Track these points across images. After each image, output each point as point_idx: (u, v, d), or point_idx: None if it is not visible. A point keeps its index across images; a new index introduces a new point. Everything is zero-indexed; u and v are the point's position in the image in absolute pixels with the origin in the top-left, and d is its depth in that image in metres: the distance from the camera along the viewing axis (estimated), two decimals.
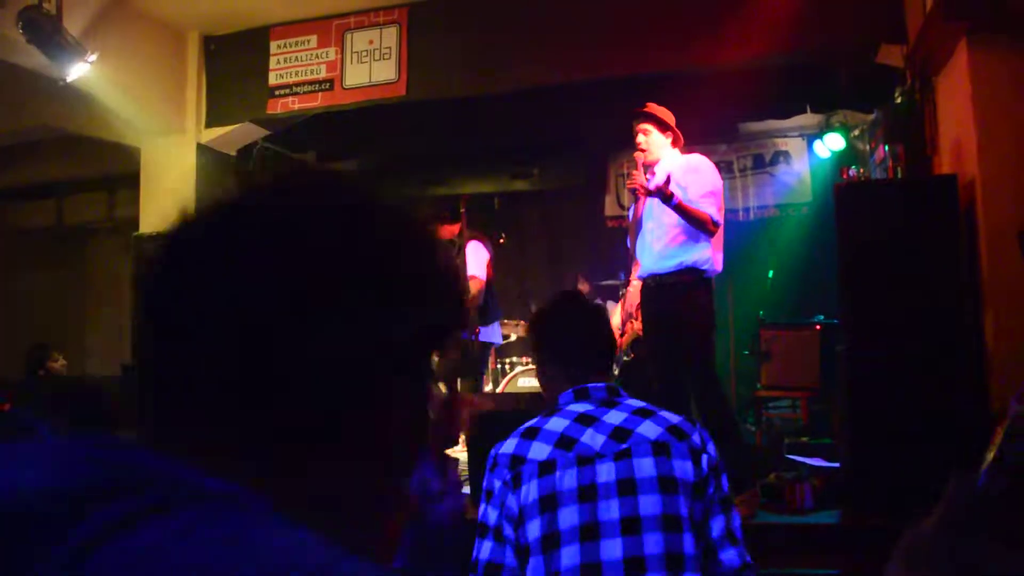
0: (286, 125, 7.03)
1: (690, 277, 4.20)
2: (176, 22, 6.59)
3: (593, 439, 1.95)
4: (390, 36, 6.32)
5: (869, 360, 3.98)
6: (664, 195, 4.01)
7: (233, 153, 7.13)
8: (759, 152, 8.05)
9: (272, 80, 6.63)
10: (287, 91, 6.60)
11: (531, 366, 7.38)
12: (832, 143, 7.29)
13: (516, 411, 4.95)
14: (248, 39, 6.70)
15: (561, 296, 2.43)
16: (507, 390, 7.19)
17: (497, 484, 1.98)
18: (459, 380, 6.15)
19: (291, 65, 6.61)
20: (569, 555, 1.84)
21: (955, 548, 0.72)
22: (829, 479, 4.32)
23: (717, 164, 7.88)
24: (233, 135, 6.92)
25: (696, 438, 1.98)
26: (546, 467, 1.93)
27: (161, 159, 6.80)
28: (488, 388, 7.52)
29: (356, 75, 6.42)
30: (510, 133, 7.91)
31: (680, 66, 5.73)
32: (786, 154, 7.96)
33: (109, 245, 6.71)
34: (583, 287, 7.69)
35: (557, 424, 2.00)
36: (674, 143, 4.45)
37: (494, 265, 6.27)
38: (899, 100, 5.00)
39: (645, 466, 1.90)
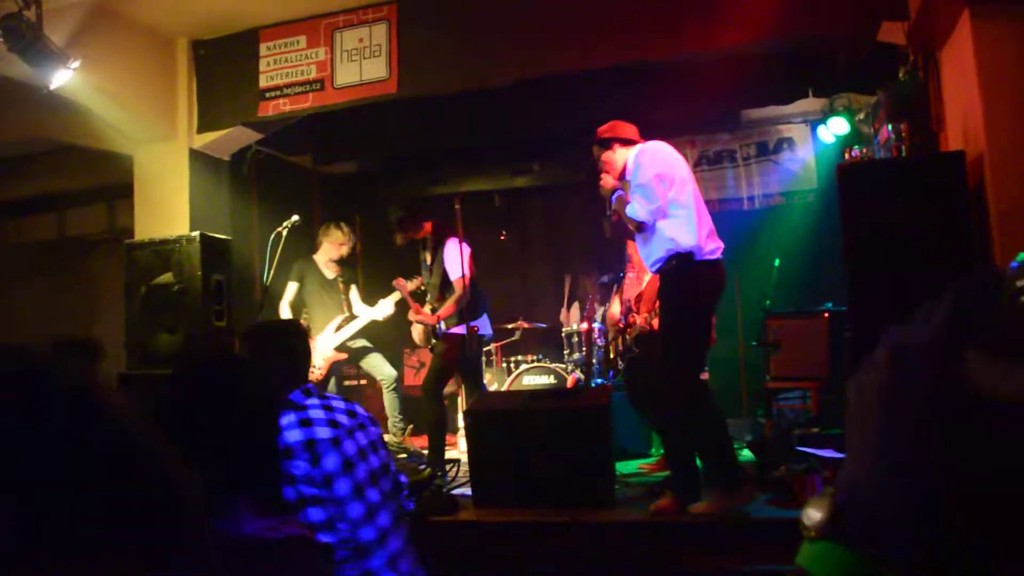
0: (279, 128, 6.95)
1: (675, 261, 4.30)
2: (163, 28, 6.50)
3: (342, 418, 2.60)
4: (380, 33, 6.22)
5: (876, 345, 3.79)
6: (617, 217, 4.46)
7: (227, 158, 7.08)
8: (762, 140, 7.92)
9: (263, 82, 6.55)
10: (278, 93, 6.53)
11: (536, 363, 7.28)
12: (836, 127, 7.11)
13: (516, 410, 4.86)
14: (237, 42, 6.61)
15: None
16: (513, 387, 7.05)
17: (301, 466, 2.43)
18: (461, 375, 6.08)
19: (281, 67, 6.53)
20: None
21: (946, 356, 0.65)
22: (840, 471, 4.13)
23: (720, 153, 7.90)
24: (226, 140, 6.84)
25: (374, 430, 2.71)
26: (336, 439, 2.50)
27: (154, 166, 6.73)
28: (494, 387, 7.42)
29: (346, 74, 6.33)
30: (509, 129, 7.84)
31: (676, 52, 5.58)
32: (790, 141, 7.83)
33: (110, 256, 6.64)
34: (587, 285, 7.58)
35: (318, 413, 2.56)
36: (626, 144, 4.60)
37: (494, 262, 6.23)
38: (903, 78, 4.83)
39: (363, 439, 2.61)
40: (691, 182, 4.40)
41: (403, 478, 2.85)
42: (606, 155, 4.65)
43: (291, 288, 6.53)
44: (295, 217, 6.13)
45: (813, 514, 0.69)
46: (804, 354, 5.83)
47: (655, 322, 4.93)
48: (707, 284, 4.30)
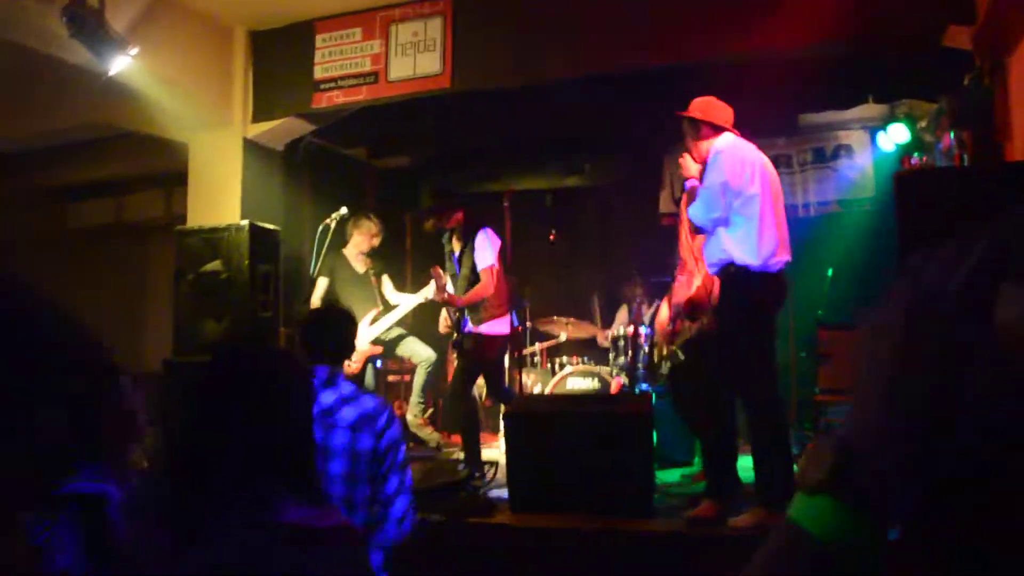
0: (332, 120, 6.97)
1: (729, 274, 4.21)
2: (223, 17, 6.58)
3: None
4: (435, 28, 6.21)
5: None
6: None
7: (280, 148, 7.12)
8: (819, 146, 7.72)
9: (317, 74, 6.60)
10: (332, 85, 6.56)
11: (581, 366, 7.20)
12: (896, 135, 6.89)
13: (555, 414, 4.80)
14: (294, 33, 6.66)
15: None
16: (556, 391, 6.96)
17: None
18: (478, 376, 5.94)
19: (336, 59, 6.56)
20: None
21: (977, 303, 0.61)
22: None
23: (776, 158, 7.76)
24: (279, 130, 6.89)
25: (382, 420, 2.85)
26: None
27: (208, 154, 6.82)
28: (537, 388, 7.36)
29: (400, 68, 6.34)
30: (562, 128, 7.84)
31: (735, 53, 5.49)
32: (848, 147, 7.62)
33: (165, 242, 6.75)
34: (635, 286, 7.48)
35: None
36: (716, 131, 4.39)
37: (542, 263, 6.17)
38: (967, 84, 4.66)
39: (346, 438, 2.78)
40: (765, 193, 4.20)
41: (402, 503, 2.85)
42: (692, 136, 4.45)
43: (321, 283, 6.45)
44: (343, 209, 6.15)
45: (811, 468, 0.66)
46: (855, 367, 5.62)
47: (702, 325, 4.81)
48: (761, 296, 4.19)
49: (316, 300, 6.39)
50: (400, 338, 6.55)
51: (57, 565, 1.67)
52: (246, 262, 5.78)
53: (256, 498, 1.50)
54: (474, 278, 5.62)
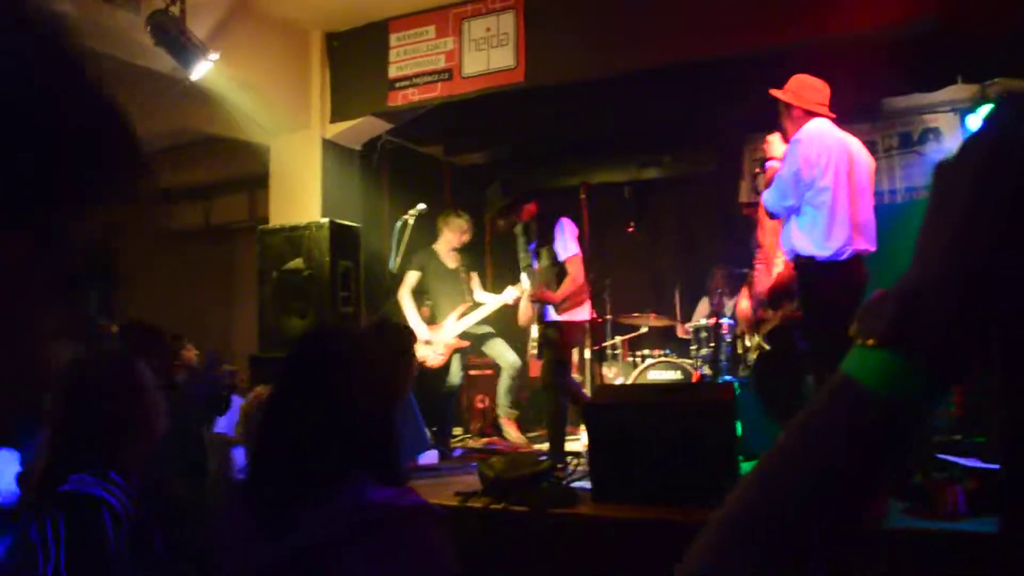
0: (408, 118, 7.07)
1: (799, 264, 4.26)
2: (299, 21, 6.72)
3: None
4: (507, 22, 6.23)
5: None
6: None
7: (358, 148, 7.24)
8: (905, 130, 7.48)
9: (392, 73, 6.69)
10: (407, 83, 6.65)
11: (663, 358, 7.13)
12: None
13: (636, 403, 4.75)
14: (368, 34, 6.77)
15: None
16: (638, 381, 6.95)
17: None
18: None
19: (410, 57, 6.65)
20: None
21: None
22: (986, 482, 3.84)
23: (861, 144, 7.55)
24: (357, 129, 7.02)
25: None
26: None
27: (289, 156, 6.96)
28: (619, 380, 7.32)
29: (474, 63, 6.39)
30: (639, 119, 7.77)
31: (814, 36, 5.36)
32: (936, 131, 7.36)
33: (249, 243, 6.93)
34: (716, 277, 7.37)
35: None
36: (807, 115, 4.32)
37: (622, 255, 6.16)
38: None
39: None
40: (839, 184, 4.13)
41: None
42: (785, 117, 4.42)
43: (412, 276, 6.51)
44: (421, 205, 6.20)
45: (870, 321, 0.61)
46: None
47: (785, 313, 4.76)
48: (830, 287, 4.12)
49: (405, 292, 6.46)
50: (488, 336, 6.60)
51: (49, 563, 1.72)
52: (327, 259, 5.88)
53: (340, 480, 1.53)
54: (556, 269, 5.58)
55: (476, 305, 6.60)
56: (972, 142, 0.59)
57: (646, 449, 4.42)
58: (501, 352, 6.56)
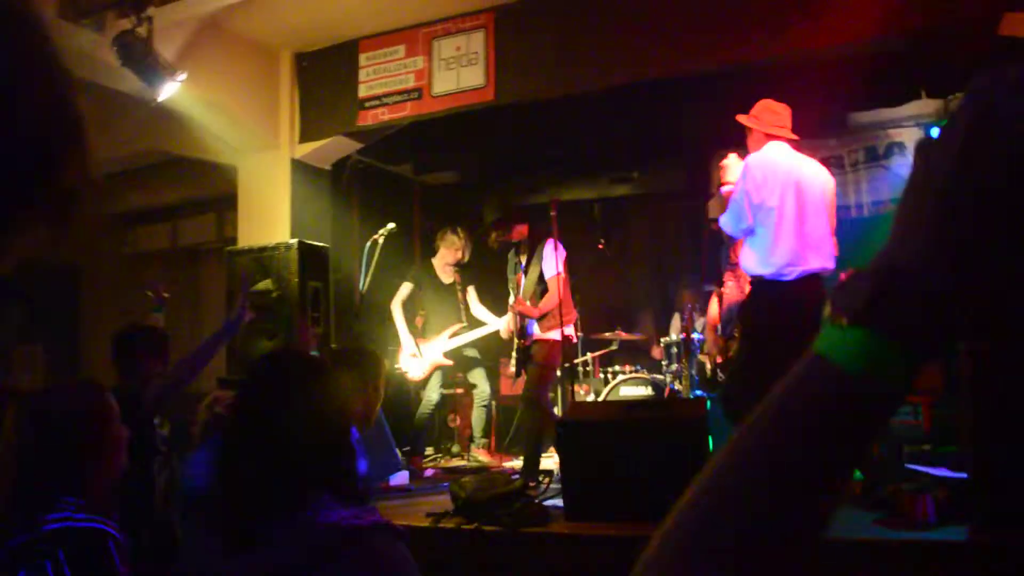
0: (378, 137, 7.01)
1: (751, 283, 4.52)
2: (268, 41, 6.66)
3: None
4: (477, 41, 6.23)
5: (996, 354, 3.53)
6: None
7: (327, 167, 7.18)
8: (871, 144, 7.57)
9: (362, 92, 6.64)
10: (376, 102, 6.61)
11: (634, 375, 7.14)
12: None
13: (608, 421, 4.73)
14: (338, 53, 6.72)
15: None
16: (609, 398, 6.96)
17: None
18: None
19: (380, 76, 6.61)
20: None
21: None
22: (955, 491, 3.91)
23: (827, 159, 7.68)
24: (326, 149, 6.95)
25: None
26: None
27: (257, 176, 6.90)
28: (590, 397, 7.32)
29: (444, 82, 6.35)
30: (609, 136, 7.78)
31: (781, 53, 5.39)
32: (900, 145, 7.45)
33: (217, 264, 6.86)
34: (687, 293, 7.41)
35: None
36: (769, 137, 4.53)
37: (592, 272, 6.25)
38: None
39: None
40: (784, 205, 4.32)
41: None
42: (748, 138, 4.64)
43: (405, 288, 6.67)
44: (391, 225, 6.18)
45: (844, 298, 0.59)
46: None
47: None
48: (772, 306, 4.32)
49: (396, 304, 6.64)
50: (472, 362, 6.76)
51: None
52: (296, 280, 5.84)
53: (300, 501, 1.54)
54: (541, 288, 5.76)
55: (471, 324, 6.71)
56: (958, 114, 0.58)
57: (619, 466, 4.41)
58: (478, 380, 6.72)
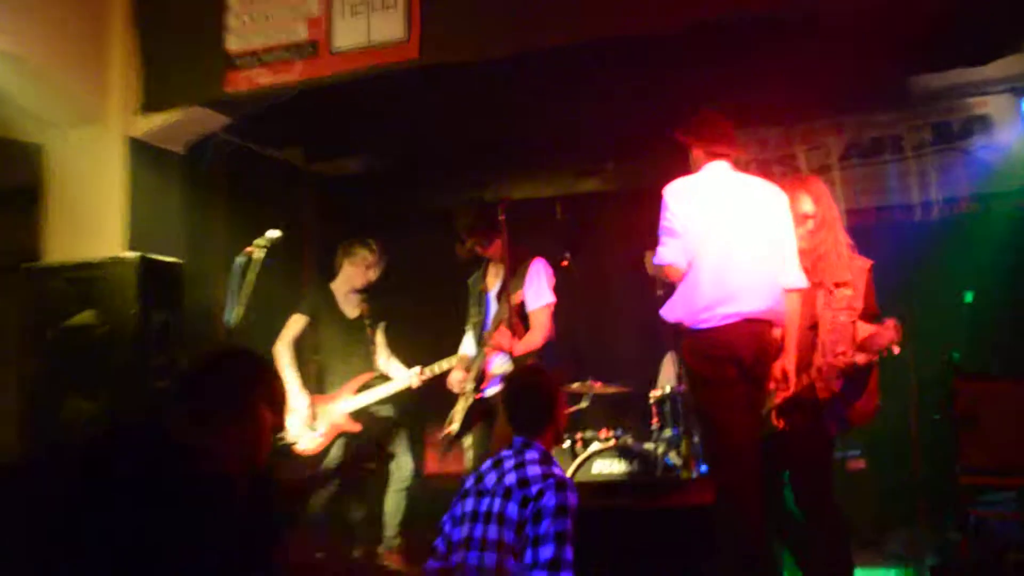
0: (254, 110, 6.91)
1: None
2: None
3: (489, 478, 3.94)
4: None
5: None
6: None
7: (181, 150, 7.07)
8: (943, 120, 7.58)
9: (232, 45, 6.54)
10: (253, 60, 6.49)
11: (613, 442, 7.06)
12: None
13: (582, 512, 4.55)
14: None
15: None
16: (578, 479, 6.80)
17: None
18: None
19: (258, 24, 6.52)
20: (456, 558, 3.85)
21: None
22: None
23: (879, 140, 7.58)
24: (180, 125, 6.83)
25: (534, 489, 3.75)
26: (464, 493, 3.98)
27: (75, 161, 6.74)
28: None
29: (349, 34, 6.27)
30: (574, 116, 7.77)
31: None
32: (985, 119, 7.45)
33: (10, 289, 6.58)
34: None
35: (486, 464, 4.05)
36: (710, 156, 4.95)
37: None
38: None
39: (496, 504, 3.79)
40: (708, 237, 4.72)
41: None
42: (689, 157, 5.08)
43: (296, 322, 6.77)
44: (274, 233, 5.90)
45: None
46: (1019, 435, 5.58)
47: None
48: (692, 357, 4.74)
49: (283, 345, 6.74)
50: (388, 424, 6.86)
51: None
52: (134, 310, 5.74)
53: None
54: (520, 320, 6.03)
55: (381, 378, 6.81)
56: None
57: (596, 571, 4.34)
58: (397, 452, 6.81)
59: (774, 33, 6.18)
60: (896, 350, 4.59)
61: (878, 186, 7.76)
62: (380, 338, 6.93)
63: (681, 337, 4.84)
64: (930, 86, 7.48)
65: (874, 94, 7.43)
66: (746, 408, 4.65)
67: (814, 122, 7.74)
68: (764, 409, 5.10)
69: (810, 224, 4.96)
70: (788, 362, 4.79)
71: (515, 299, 5.96)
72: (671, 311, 4.82)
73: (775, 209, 4.87)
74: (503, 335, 5.88)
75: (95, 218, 6.59)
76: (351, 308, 6.84)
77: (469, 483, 3.95)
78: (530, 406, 4.05)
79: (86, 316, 5.71)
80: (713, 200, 4.79)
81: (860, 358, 4.78)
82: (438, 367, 6.47)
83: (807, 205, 4.97)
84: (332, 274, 6.91)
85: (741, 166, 4.96)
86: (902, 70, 7.20)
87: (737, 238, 4.72)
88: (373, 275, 6.84)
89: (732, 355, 4.59)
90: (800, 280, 4.82)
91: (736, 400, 4.62)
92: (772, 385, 5.03)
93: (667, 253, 4.82)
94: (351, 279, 6.81)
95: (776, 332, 4.77)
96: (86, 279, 5.77)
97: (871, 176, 7.78)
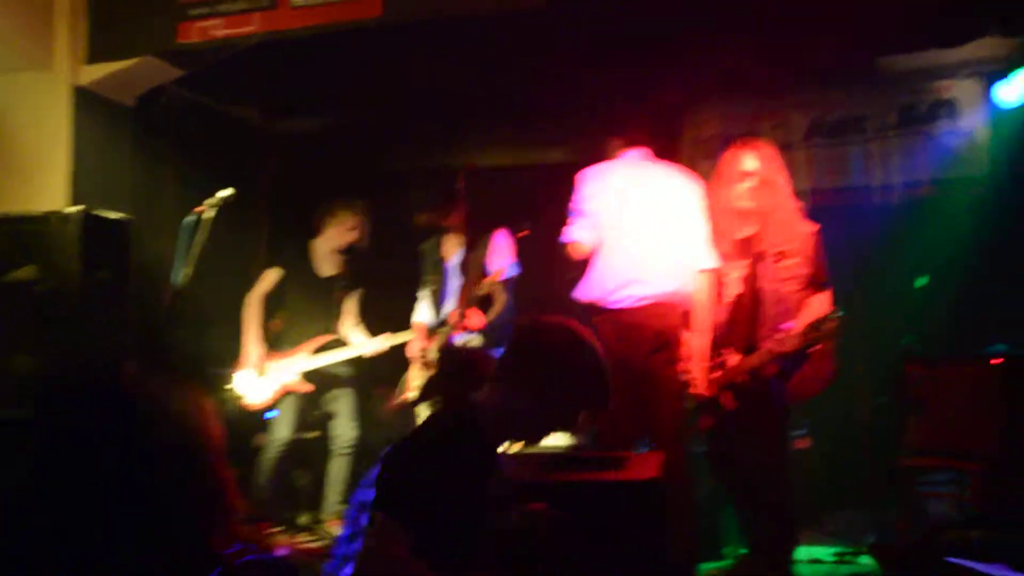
0: (209, 62, 6.90)
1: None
2: None
3: None
4: None
5: None
6: None
7: (130, 102, 7.07)
8: (909, 102, 7.64)
9: None
10: (207, 10, 6.54)
11: None
12: None
13: (526, 484, 4.59)
14: None
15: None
16: (526, 451, 6.78)
17: None
18: None
19: None
20: None
21: None
22: None
23: (843, 121, 7.68)
24: (129, 75, 6.83)
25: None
26: None
27: (17, 110, 6.74)
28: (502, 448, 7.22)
29: None
30: (542, 81, 7.84)
31: None
32: (951, 104, 7.51)
33: None
34: None
35: None
36: (620, 145, 5.75)
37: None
38: None
39: None
40: (616, 222, 5.28)
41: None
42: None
43: (270, 275, 6.85)
44: (226, 192, 5.91)
45: None
46: (962, 419, 5.59)
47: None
48: (610, 338, 4.99)
49: (255, 297, 6.80)
50: (338, 388, 6.90)
51: None
52: (77, 267, 5.69)
53: None
54: (484, 295, 6.23)
55: (340, 342, 6.88)
56: None
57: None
58: (342, 420, 6.83)
59: (745, 6, 6.28)
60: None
61: (840, 167, 7.85)
62: (351, 304, 6.99)
63: (592, 316, 5.14)
64: (897, 67, 7.55)
65: (842, 73, 7.50)
66: (662, 385, 5.08)
67: (781, 99, 7.81)
68: (681, 386, 5.33)
69: (750, 182, 5.08)
70: (701, 340, 5.05)
71: (494, 276, 6.15)
72: (585, 291, 5.26)
73: (687, 195, 5.32)
74: (475, 315, 6.11)
75: (38, 169, 6.63)
76: (328, 267, 6.91)
77: None
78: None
79: (27, 271, 5.64)
80: (626, 185, 5.33)
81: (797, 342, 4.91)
82: (397, 338, 6.61)
83: (749, 163, 5.10)
84: (315, 232, 6.95)
85: (659, 155, 5.51)
86: (870, 50, 7.28)
87: (648, 222, 5.21)
88: (352, 237, 6.90)
89: (643, 334, 5.06)
90: (712, 261, 5.14)
91: (649, 377, 5.06)
92: (683, 365, 5.23)
93: (574, 231, 5.33)
94: (332, 239, 6.88)
95: (685, 311, 5.15)
96: (27, 233, 5.68)
97: (834, 157, 7.86)
